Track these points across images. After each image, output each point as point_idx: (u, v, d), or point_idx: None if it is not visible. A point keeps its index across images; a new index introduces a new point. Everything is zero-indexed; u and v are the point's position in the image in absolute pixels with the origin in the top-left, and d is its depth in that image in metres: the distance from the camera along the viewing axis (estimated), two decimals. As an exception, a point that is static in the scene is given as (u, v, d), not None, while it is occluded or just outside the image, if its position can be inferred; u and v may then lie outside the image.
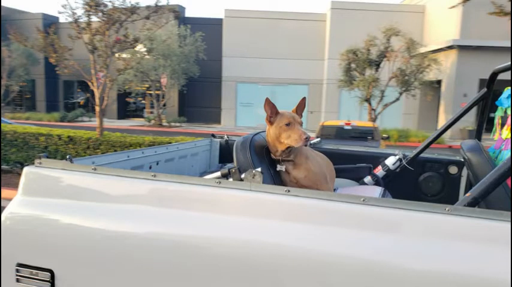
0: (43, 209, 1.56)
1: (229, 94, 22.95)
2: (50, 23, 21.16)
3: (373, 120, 15.21)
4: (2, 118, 9.76)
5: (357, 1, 21.12)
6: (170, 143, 5.76)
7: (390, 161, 2.88)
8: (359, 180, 2.90)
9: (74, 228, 1.52)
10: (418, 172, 2.96)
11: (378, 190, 2.55)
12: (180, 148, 2.83)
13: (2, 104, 20.60)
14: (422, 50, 15.71)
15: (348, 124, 9.10)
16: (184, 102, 24.53)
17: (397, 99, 15.58)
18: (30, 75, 23.24)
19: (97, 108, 7.45)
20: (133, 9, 7.43)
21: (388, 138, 10.32)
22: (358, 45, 15.36)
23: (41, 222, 1.56)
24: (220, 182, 1.48)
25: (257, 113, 21.94)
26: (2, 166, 7.49)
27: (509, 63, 2.16)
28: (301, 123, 2.06)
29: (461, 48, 17.28)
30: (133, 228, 1.47)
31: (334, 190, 2.51)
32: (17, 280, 1.52)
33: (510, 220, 1.21)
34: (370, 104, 15.58)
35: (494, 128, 2.62)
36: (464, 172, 2.86)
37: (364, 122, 10.53)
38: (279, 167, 2.11)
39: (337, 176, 2.58)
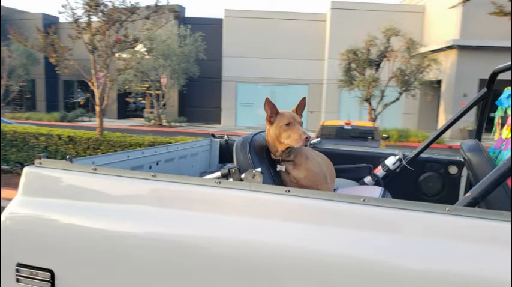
0: (43, 209, 1.56)
1: (229, 94, 22.95)
2: (50, 23, 21.17)
3: (373, 120, 15.21)
4: (2, 118, 9.77)
5: (357, 1, 21.13)
6: (170, 143, 5.76)
7: (390, 161, 2.88)
8: (359, 180, 2.90)
9: (74, 228, 1.52)
10: (418, 172, 2.96)
11: (377, 190, 2.55)
12: (180, 148, 2.83)
13: (2, 104, 20.60)
14: (422, 50, 15.71)
15: (348, 124, 9.11)
16: (184, 102, 24.53)
17: (397, 99, 15.58)
18: (30, 75, 23.25)
19: (97, 108, 7.45)
20: (133, 9, 7.44)
21: (388, 138, 10.32)
22: (358, 45, 15.36)
23: (41, 222, 1.56)
24: (220, 182, 1.48)
25: (257, 113, 21.96)
26: (2, 166, 7.49)
27: (509, 63, 2.16)
28: (301, 123, 2.06)
29: (461, 48, 17.28)
30: (133, 228, 1.47)
31: (334, 190, 2.51)
32: (17, 280, 1.52)
33: (510, 220, 1.21)
34: (370, 104, 15.58)
35: (494, 128, 2.62)
36: (464, 172, 2.86)
37: (364, 122, 10.53)
38: (279, 167, 2.11)
39: (337, 176, 2.58)
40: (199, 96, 24.27)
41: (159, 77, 20.58)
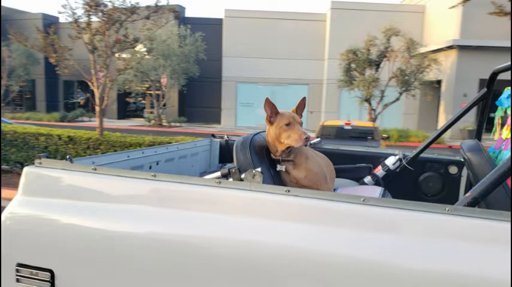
0: (43, 209, 1.56)
1: (229, 94, 22.96)
2: (50, 23, 21.15)
3: (373, 120, 15.21)
4: (2, 118, 9.76)
5: (356, 1, 21.13)
6: (170, 143, 5.76)
7: (390, 161, 2.88)
8: (359, 180, 2.90)
9: (74, 228, 1.52)
10: (418, 172, 2.96)
11: (377, 190, 2.55)
12: (180, 148, 2.83)
13: (2, 104, 20.60)
14: (423, 50, 15.72)
15: (348, 124, 9.12)
16: (185, 102, 24.53)
17: (397, 99, 15.58)
18: (30, 75, 23.24)
19: (97, 108, 7.45)
20: (133, 9, 7.44)
21: (388, 138, 10.33)
22: (358, 45, 15.37)
23: (41, 222, 1.56)
24: (220, 182, 1.48)
25: (257, 113, 21.96)
26: (2, 166, 7.49)
27: (509, 63, 2.16)
28: (301, 124, 2.06)
29: (461, 48, 17.28)
30: (133, 228, 1.47)
31: (334, 190, 2.51)
32: (17, 280, 1.52)
33: (510, 220, 1.21)
34: (370, 104, 15.59)
35: (494, 128, 2.62)
36: (464, 172, 2.86)
37: (364, 122, 10.54)
38: (279, 167, 2.11)
39: (337, 176, 2.58)
40: (199, 96, 24.27)
41: (159, 77, 20.58)
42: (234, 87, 22.87)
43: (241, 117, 23.05)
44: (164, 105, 21.82)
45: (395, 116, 20.06)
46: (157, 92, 21.27)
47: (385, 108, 15.57)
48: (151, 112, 24.27)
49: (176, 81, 20.92)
